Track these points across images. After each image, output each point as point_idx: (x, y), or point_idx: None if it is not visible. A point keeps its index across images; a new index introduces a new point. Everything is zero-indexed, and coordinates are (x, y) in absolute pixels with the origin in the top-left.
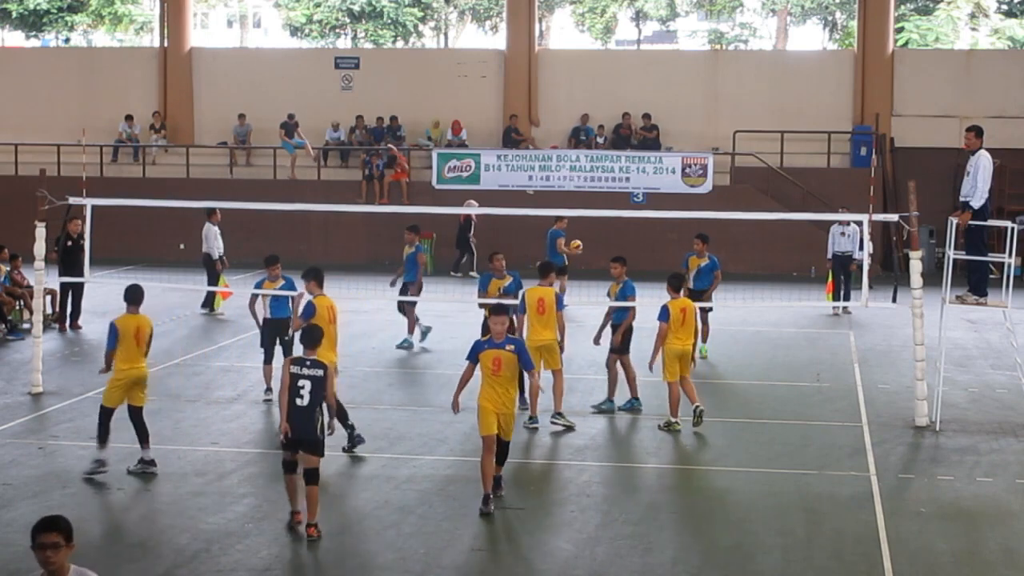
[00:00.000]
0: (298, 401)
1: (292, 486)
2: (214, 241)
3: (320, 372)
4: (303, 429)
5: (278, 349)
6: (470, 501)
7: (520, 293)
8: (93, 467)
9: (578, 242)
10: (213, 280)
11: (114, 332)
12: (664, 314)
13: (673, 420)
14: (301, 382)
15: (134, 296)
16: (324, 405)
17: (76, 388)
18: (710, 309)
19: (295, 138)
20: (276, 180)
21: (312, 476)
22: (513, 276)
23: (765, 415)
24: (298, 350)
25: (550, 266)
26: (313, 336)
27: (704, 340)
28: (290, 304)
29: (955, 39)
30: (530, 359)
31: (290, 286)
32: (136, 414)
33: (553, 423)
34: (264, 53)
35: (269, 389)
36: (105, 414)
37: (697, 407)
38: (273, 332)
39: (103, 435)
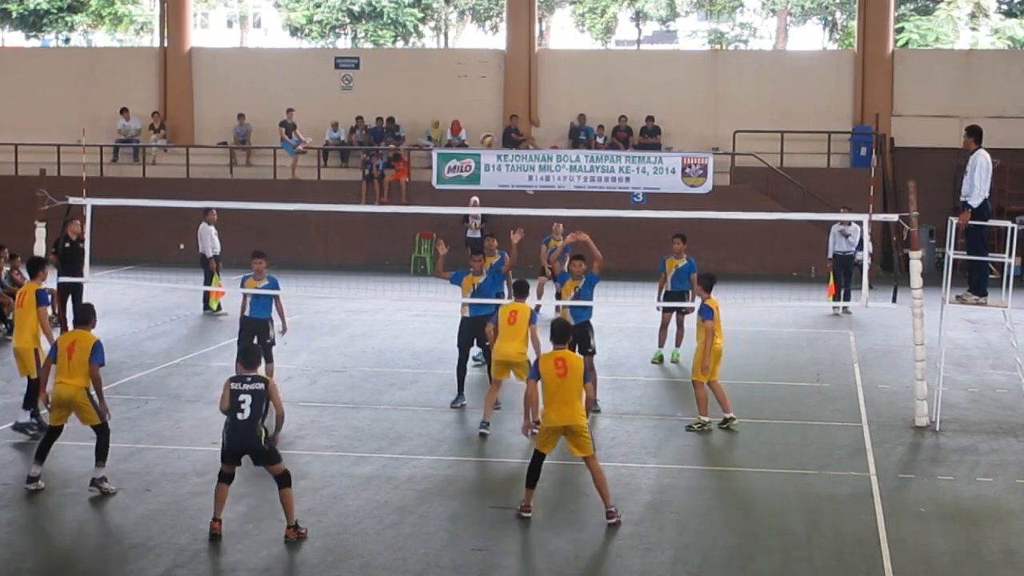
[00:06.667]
0: (239, 415)
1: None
2: (208, 241)
3: (261, 386)
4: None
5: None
6: (470, 501)
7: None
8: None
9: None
10: (209, 280)
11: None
12: (709, 312)
13: (706, 420)
14: (242, 396)
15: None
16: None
17: None
18: (688, 311)
19: (294, 137)
20: (276, 180)
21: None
22: (488, 273)
23: (765, 415)
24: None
25: (525, 285)
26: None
27: (678, 344)
28: (272, 305)
29: (955, 39)
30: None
31: (274, 285)
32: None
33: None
34: (264, 53)
35: None
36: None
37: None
38: (251, 331)
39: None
